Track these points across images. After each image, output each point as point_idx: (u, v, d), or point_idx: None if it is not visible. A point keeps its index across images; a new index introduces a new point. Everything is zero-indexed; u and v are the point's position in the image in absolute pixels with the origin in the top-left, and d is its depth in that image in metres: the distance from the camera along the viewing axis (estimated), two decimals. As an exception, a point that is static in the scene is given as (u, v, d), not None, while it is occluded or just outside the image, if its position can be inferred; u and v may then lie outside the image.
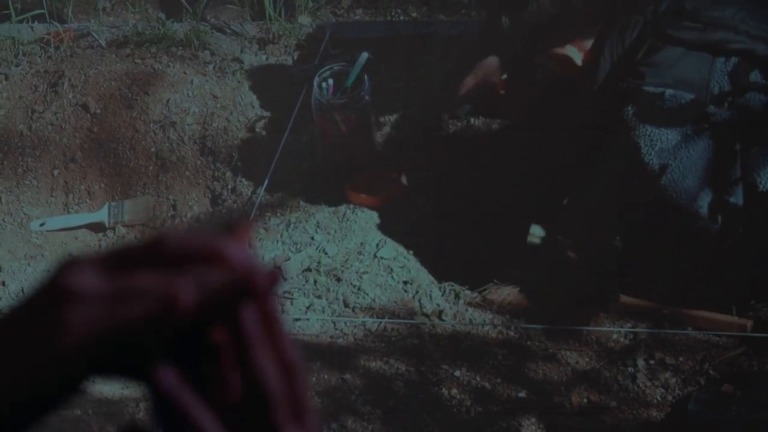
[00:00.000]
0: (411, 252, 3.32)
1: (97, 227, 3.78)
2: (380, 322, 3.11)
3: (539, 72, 3.27)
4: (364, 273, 3.23)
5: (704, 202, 2.92)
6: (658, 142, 2.89)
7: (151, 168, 3.84)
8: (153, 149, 3.84)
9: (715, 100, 2.89)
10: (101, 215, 3.76)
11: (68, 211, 3.85)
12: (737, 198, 2.92)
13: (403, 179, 3.53)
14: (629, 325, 3.06)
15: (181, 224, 3.74)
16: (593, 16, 3.10)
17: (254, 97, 3.89)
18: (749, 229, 2.96)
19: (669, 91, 2.88)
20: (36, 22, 4.29)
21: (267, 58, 4.03)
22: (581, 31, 3.11)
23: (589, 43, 3.12)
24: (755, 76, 2.89)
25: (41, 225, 3.77)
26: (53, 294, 0.56)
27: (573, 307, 3.10)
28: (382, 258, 3.28)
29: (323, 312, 3.15)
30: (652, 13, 3.01)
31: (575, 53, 3.12)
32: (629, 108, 2.92)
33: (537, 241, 3.19)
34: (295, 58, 4.02)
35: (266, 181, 3.55)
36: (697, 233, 2.96)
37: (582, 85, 3.10)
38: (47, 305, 0.56)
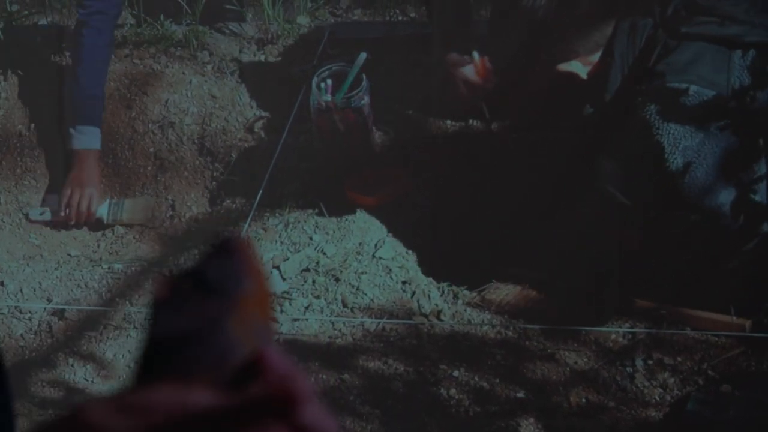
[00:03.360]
0: (410, 252, 3.32)
1: (95, 225, 3.78)
2: (379, 323, 3.11)
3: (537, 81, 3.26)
4: (362, 273, 3.23)
5: (727, 200, 2.87)
6: (682, 140, 2.83)
7: (149, 168, 3.84)
8: (151, 149, 3.84)
9: (737, 96, 2.87)
10: (101, 210, 3.76)
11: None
12: (762, 196, 2.89)
13: (402, 179, 3.53)
14: (627, 325, 3.06)
15: (180, 224, 3.74)
16: (600, 22, 3.08)
17: (253, 97, 3.89)
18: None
19: (693, 87, 2.85)
20: (35, 21, 4.28)
21: (265, 59, 4.03)
22: (585, 39, 3.09)
23: (594, 57, 3.10)
24: None
25: (41, 214, 3.77)
26: None
27: (572, 307, 3.10)
28: (380, 258, 3.28)
29: (322, 312, 3.15)
30: (662, 14, 2.99)
31: (580, 68, 3.11)
32: (651, 107, 2.88)
33: None
34: (294, 58, 4.02)
35: (265, 181, 3.55)
36: (718, 232, 2.93)
37: (589, 93, 3.08)
38: None
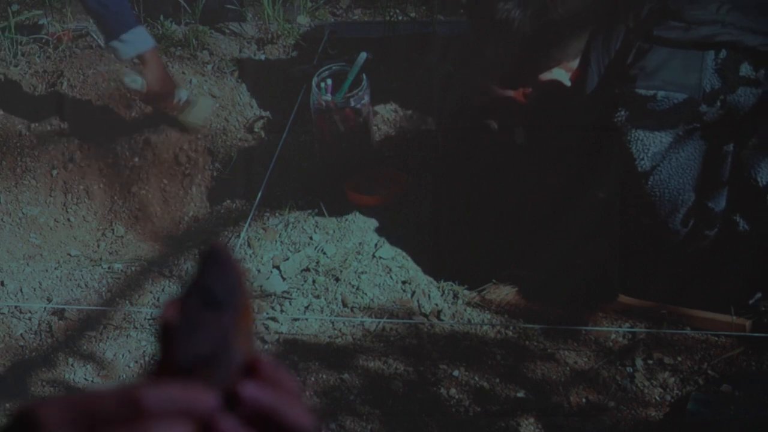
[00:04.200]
0: (410, 252, 3.32)
1: (92, 230, 3.78)
2: (379, 322, 3.11)
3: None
4: (362, 273, 3.23)
5: (684, 205, 2.91)
6: (651, 146, 2.87)
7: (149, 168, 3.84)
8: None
9: (708, 99, 2.87)
10: (181, 94, 3.71)
11: (67, 212, 3.85)
12: (716, 203, 2.90)
13: (402, 179, 3.54)
14: (627, 324, 3.06)
15: (180, 224, 3.74)
16: (577, 30, 3.10)
17: (253, 97, 3.89)
18: (750, 226, 2.94)
19: (661, 93, 2.86)
20: (35, 22, 4.29)
21: (266, 59, 4.04)
22: (564, 48, 3.11)
23: (574, 63, 3.12)
24: (745, 69, 2.88)
25: (132, 81, 3.63)
26: None
27: (572, 307, 3.10)
28: (380, 258, 3.28)
29: (322, 312, 3.16)
30: (634, 19, 3.00)
31: (563, 75, 3.12)
32: (621, 113, 2.90)
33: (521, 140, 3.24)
34: (294, 58, 4.02)
35: (265, 181, 3.55)
36: (668, 236, 2.95)
37: (573, 98, 3.10)
38: None
